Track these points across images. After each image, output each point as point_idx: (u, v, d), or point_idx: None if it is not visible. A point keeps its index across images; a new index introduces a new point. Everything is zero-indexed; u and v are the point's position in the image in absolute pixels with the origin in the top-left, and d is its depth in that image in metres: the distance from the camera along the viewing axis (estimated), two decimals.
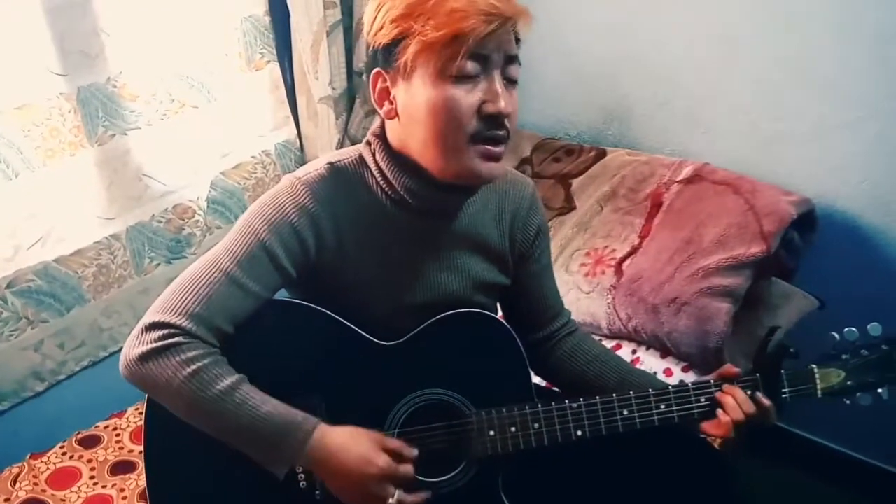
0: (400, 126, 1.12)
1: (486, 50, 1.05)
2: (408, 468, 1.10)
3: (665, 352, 1.76)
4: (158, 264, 1.97)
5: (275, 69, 2.13)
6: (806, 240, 1.82)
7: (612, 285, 1.81)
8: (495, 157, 1.10)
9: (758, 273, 1.72)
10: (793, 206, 1.74)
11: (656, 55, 2.00)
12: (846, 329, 1.18)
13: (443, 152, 1.09)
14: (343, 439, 1.07)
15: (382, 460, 1.07)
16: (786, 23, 1.77)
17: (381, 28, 1.07)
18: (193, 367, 1.04)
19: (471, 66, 1.05)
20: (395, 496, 1.07)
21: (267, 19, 2.08)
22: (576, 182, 2.03)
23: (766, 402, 1.15)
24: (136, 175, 1.89)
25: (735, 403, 1.14)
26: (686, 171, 1.89)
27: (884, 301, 1.76)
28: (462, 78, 1.05)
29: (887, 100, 1.69)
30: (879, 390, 1.18)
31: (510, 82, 1.10)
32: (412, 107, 1.08)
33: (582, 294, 1.85)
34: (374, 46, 1.10)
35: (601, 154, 2.06)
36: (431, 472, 1.17)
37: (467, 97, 1.06)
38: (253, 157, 2.13)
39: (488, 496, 1.19)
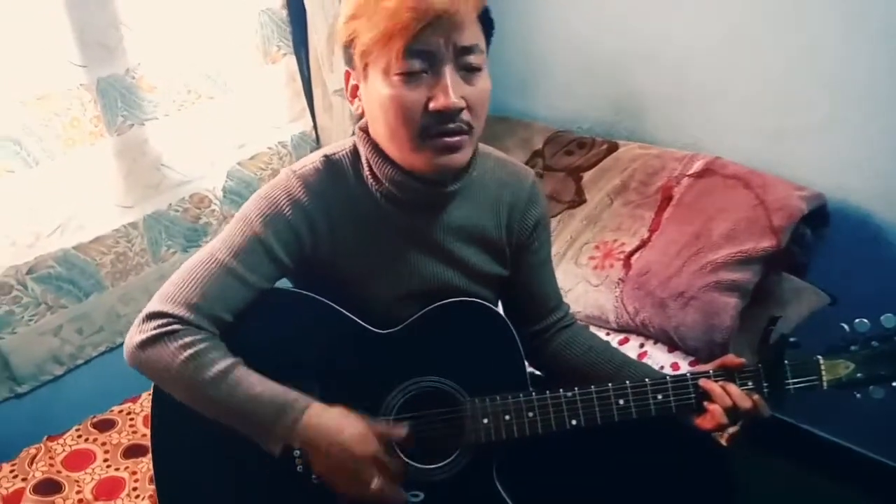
0: (369, 122, 1.15)
1: (430, 45, 1.04)
2: (398, 461, 1.12)
3: (672, 346, 1.75)
4: (175, 252, 2.01)
5: (291, 62, 2.15)
6: (818, 235, 1.80)
7: (620, 278, 1.81)
8: (453, 148, 1.10)
9: (767, 268, 1.71)
10: (804, 201, 1.72)
11: (668, 49, 1.99)
12: (857, 320, 1.14)
13: (399, 148, 1.11)
14: (337, 419, 1.09)
15: (377, 443, 1.09)
16: (796, 17, 1.76)
17: (340, 29, 1.11)
18: (190, 351, 1.07)
19: (414, 64, 1.04)
20: (378, 481, 1.08)
21: (284, 12, 2.11)
22: (587, 175, 2.03)
23: (747, 402, 1.12)
24: (154, 164, 1.93)
25: (717, 407, 1.12)
26: (697, 165, 1.88)
27: None
28: (408, 75, 1.05)
29: None
30: (894, 383, 1.13)
31: (470, 70, 1.08)
32: (370, 104, 1.11)
33: (590, 287, 1.85)
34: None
35: (613, 147, 2.05)
36: (425, 460, 1.18)
37: (412, 94, 1.06)
38: (269, 148, 2.16)
39: (482, 484, 1.20)
